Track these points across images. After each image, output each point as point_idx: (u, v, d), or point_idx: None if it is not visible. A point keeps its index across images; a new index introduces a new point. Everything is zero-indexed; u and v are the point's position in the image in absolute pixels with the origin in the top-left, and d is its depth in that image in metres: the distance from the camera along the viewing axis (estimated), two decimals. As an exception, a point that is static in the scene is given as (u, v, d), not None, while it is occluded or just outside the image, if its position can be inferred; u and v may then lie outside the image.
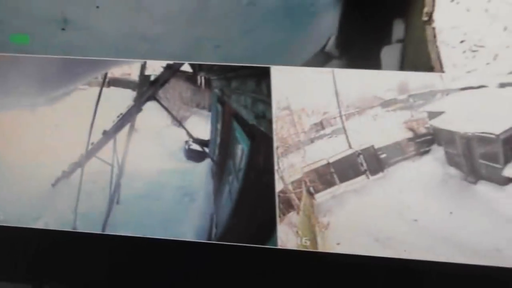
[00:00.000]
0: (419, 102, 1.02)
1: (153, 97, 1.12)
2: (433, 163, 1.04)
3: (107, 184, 1.17)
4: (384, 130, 1.05)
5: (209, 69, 1.07)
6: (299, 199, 1.10)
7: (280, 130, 1.08)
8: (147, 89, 1.12)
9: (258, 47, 1.03)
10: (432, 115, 1.02)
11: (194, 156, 1.13)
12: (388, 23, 0.99)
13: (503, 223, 1.01)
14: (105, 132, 1.15)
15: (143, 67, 1.10)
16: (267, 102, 1.07)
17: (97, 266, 1.18)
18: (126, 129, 1.14)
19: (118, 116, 1.14)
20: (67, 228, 1.19)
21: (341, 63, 1.02)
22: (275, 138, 1.08)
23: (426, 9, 0.97)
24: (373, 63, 1.00)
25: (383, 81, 1.02)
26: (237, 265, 1.13)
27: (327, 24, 1.01)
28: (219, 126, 1.11)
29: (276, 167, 1.09)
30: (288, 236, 1.12)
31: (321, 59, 1.02)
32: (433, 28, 0.98)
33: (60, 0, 1.07)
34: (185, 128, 1.12)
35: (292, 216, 1.11)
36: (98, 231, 1.18)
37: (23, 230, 1.20)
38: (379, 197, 1.07)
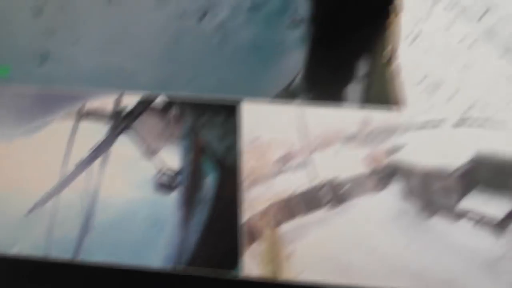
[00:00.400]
0: (380, 137, 1.02)
1: (127, 129, 1.12)
2: (392, 196, 1.04)
3: (80, 213, 1.16)
4: (346, 164, 1.05)
5: (181, 102, 1.08)
6: (264, 229, 1.10)
7: (248, 162, 1.08)
8: (121, 121, 1.11)
9: (228, 82, 1.04)
10: (392, 150, 1.02)
11: (164, 187, 1.12)
12: (353, 61, 1.00)
13: (457, 255, 1.02)
14: (79, 163, 1.15)
15: (118, 100, 1.10)
16: (236, 136, 1.06)
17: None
18: (100, 159, 1.14)
19: (92, 147, 1.13)
20: (40, 255, 1.19)
21: (307, 99, 1.02)
22: (242, 170, 1.08)
23: (388, 49, 0.97)
24: (338, 99, 1.01)
25: (347, 117, 1.02)
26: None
27: (294, 61, 1.01)
28: (188, 158, 1.11)
29: (242, 198, 1.08)
30: (253, 265, 1.11)
31: (288, 95, 1.02)
32: (396, 67, 0.98)
33: (38, 32, 1.08)
34: (156, 160, 1.12)
35: (257, 245, 1.10)
36: (69, 257, 1.18)
37: None
38: (341, 227, 1.07)
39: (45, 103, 1.12)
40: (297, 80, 1.05)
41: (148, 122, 1.13)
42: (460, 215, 1.03)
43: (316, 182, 1.08)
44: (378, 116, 1.02)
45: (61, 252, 1.19)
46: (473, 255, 1.02)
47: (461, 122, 1.00)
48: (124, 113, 1.12)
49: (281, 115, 1.06)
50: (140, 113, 1.12)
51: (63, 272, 1.18)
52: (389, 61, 1.01)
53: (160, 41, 1.08)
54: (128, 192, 1.15)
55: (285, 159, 1.08)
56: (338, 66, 1.03)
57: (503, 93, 0.98)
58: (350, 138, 1.05)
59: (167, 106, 1.11)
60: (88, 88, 1.10)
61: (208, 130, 1.10)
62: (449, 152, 1.01)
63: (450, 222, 1.03)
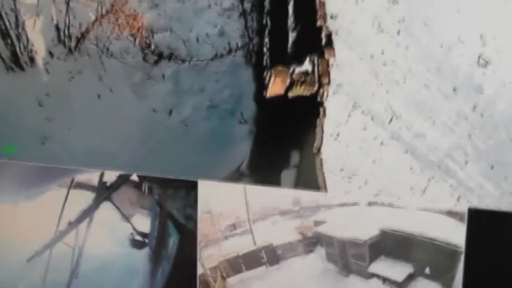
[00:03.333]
0: (308, 213, 0.97)
1: (108, 199, 1.07)
2: (317, 259, 0.98)
3: (69, 262, 1.12)
4: (281, 232, 0.99)
5: (151, 179, 1.03)
6: (215, 281, 1.04)
7: (203, 228, 1.03)
8: (104, 192, 1.07)
9: (189, 164, 1.00)
10: (317, 223, 0.97)
11: (137, 244, 1.08)
12: (287, 152, 0.96)
13: None
14: (70, 223, 1.10)
15: (102, 175, 1.06)
16: (194, 207, 1.02)
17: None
18: (86, 221, 1.10)
19: (80, 211, 1.09)
20: None
21: (251, 180, 0.98)
22: (198, 234, 1.03)
23: (316, 144, 0.93)
24: (275, 182, 0.97)
25: (282, 196, 0.97)
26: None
27: (242, 150, 0.97)
28: (156, 223, 1.06)
29: (198, 256, 1.04)
30: None
31: (236, 176, 0.98)
32: (321, 158, 0.94)
33: (40, 120, 1.05)
34: (131, 223, 1.08)
35: None
36: None
37: None
38: (276, 282, 1.01)
39: (44, 175, 1.08)
40: (243, 165, 1.00)
41: (124, 194, 1.08)
42: (371, 276, 0.96)
43: (257, 246, 1.02)
44: (306, 197, 0.97)
45: None
46: (381, 306, 0.89)
47: (371, 204, 0.94)
48: (105, 186, 1.08)
49: (230, 193, 1.00)
50: (118, 187, 1.07)
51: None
52: (316, 153, 0.96)
53: (136, 131, 1.03)
54: (109, 247, 1.09)
55: (232, 227, 1.02)
56: (275, 156, 0.98)
57: (405, 181, 0.93)
58: (285, 213, 0.99)
59: (140, 182, 1.06)
60: (77, 165, 1.06)
61: (172, 202, 1.05)
62: (361, 227, 0.95)
63: (363, 280, 0.97)
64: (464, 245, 0.89)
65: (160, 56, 0.95)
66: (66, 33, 0.96)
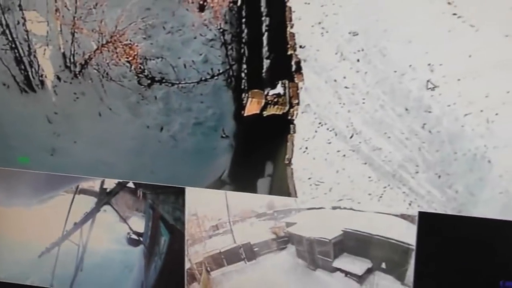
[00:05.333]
0: (281, 215, 0.94)
1: (108, 203, 1.04)
2: (288, 255, 0.96)
3: (75, 258, 1.08)
4: (257, 232, 0.96)
5: (145, 186, 1.00)
6: (200, 274, 1.01)
7: (190, 229, 1.00)
8: (104, 197, 1.03)
9: (178, 174, 0.97)
10: (289, 224, 0.95)
11: (133, 242, 1.04)
12: (262, 163, 0.93)
13: None
14: (75, 224, 1.06)
15: (102, 182, 1.02)
16: (182, 210, 0.99)
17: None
18: (89, 222, 1.06)
19: (84, 214, 1.05)
20: (46, 286, 1.10)
21: (231, 187, 0.95)
22: (186, 233, 1.00)
23: (287, 156, 0.92)
24: (252, 189, 0.94)
25: (258, 201, 0.94)
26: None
27: (223, 162, 0.95)
28: (150, 224, 1.02)
29: (186, 253, 1.00)
30: None
31: (219, 184, 0.96)
32: (291, 169, 0.92)
33: (49, 135, 1.02)
34: (127, 224, 1.04)
35: (195, 285, 1.02)
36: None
37: (17, 286, 1.11)
38: (253, 275, 0.98)
39: (53, 182, 1.04)
40: (225, 174, 0.97)
41: (122, 199, 1.04)
42: (335, 270, 0.94)
43: (236, 244, 0.99)
44: (279, 201, 0.94)
45: (61, 285, 1.09)
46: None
47: (335, 208, 0.92)
48: (106, 192, 1.04)
49: (213, 198, 0.97)
50: (117, 192, 1.03)
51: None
52: (288, 164, 0.93)
53: (132, 144, 0.99)
54: (108, 244, 1.06)
55: (215, 228, 0.99)
56: (252, 166, 0.96)
57: (365, 189, 0.91)
58: (260, 215, 0.96)
59: (136, 188, 1.02)
60: (82, 174, 1.03)
61: (163, 206, 1.02)
62: (327, 227, 0.93)
63: (328, 274, 0.94)
64: (415, 244, 0.88)
65: (153, 80, 0.93)
66: (72, 60, 0.95)
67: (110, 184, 1.02)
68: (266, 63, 0.91)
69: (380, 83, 0.86)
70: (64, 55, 0.97)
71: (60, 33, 0.97)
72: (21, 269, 1.07)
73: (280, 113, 0.92)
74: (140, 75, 0.95)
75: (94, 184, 1.02)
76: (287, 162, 0.92)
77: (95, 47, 0.96)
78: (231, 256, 0.98)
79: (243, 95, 0.92)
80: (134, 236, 1.03)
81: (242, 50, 0.92)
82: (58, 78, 0.98)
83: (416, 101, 0.85)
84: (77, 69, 0.97)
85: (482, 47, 0.80)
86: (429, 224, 0.87)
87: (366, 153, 0.89)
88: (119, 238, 1.04)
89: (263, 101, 0.92)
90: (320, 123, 0.90)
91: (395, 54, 0.85)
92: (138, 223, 1.03)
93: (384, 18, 0.84)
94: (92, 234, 1.04)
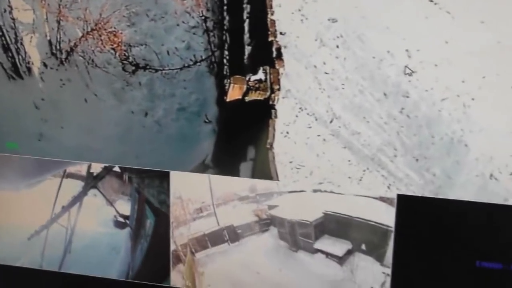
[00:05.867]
0: (263, 198, 0.93)
1: (95, 187, 1.02)
2: (270, 237, 0.95)
3: (63, 240, 1.06)
4: (240, 215, 0.95)
5: (131, 170, 0.99)
6: (185, 256, 1.00)
7: (174, 211, 0.98)
8: (91, 181, 1.02)
9: (162, 158, 0.96)
10: (271, 207, 0.94)
11: (119, 225, 1.03)
12: (245, 148, 0.92)
13: (315, 279, 0.94)
14: (63, 207, 1.05)
15: (89, 167, 1.01)
16: (167, 194, 0.98)
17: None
18: (76, 205, 1.04)
19: (72, 197, 1.04)
20: (36, 267, 1.09)
21: (214, 171, 0.94)
22: (171, 216, 0.99)
23: (269, 140, 0.91)
24: (235, 172, 0.93)
25: (240, 184, 0.93)
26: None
27: (206, 146, 0.94)
28: (136, 207, 1.01)
29: (171, 235, 0.99)
30: (177, 279, 1.02)
31: (202, 168, 0.94)
32: (273, 153, 0.91)
33: (37, 121, 1.00)
34: (114, 207, 1.02)
35: (180, 266, 1.01)
36: (56, 269, 1.08)
37: (8, 267, 1.10)
38: (236, 256, 0.97)
39: (41, 167, 1.02)
40: (208, 159, 0.96)
41: (108, 183, 1.02)
42: (316, 251, 0.93)
43: (220, 226, 0.98)
44: (261, 185, 0.93)
45: (50, 266, 1.07)
46: (324, 277, 0.93)
47: (316, 191, 0.91)
48: (92, 176, 1.02)
49: (197, 182, 0.96)
50: (103, 177, 1.01)
51: (51, 279, 1.08)
52: (269, 148, 0.92)
53: (118, 129, 0.97)
54: (96, 227, 1.04)
55: (199, 211, 0.98)
56: (235, 151, 0.94)
57: (344, 172, 0.91)
58: (243, 198, 0.95)
59: (121, 172, 1.00)
60: (69, 158, 1.01)
61: (148, 190, 1.00)
62: (308, 210, 0.92)
63: (310, 255, 0.93)
64: (394, 226, 0.88)
65: (137, 66, 0.91)
66: (58, 47, 0.93)
67: (96, 168, 1.00)
68: (247, 49, 0.89)
69: (359, 69, 0.85)
70: (50, 42, 0.95)
71: (46, 21, 0.94)
72: (11, 251, 1.05)
73: (262, 98, 0.90)
74: (125, 61, 0.93)
75: (81, 169, 1.00)
76: (268, 146, 0.91)
77: (80, 34, 0.94)
78: (215, 238, 0.97)
79: (225, 81, 0.90)
80: (120, 219, 1.01)
81: (224, 37, 0.90)
82: (45, 65, 0.96)
83: (394, 86, 0.84)
84: (63, 56, 0.95)
85: (459, 33, 0.79)
86: (408, 206, 0.87)
87: (345, 137, 0.88)
88: (106, 220, 1.02)
89: (245, 86, 0.90)
90: (300, 108, 0.88)
91: (373, 40, 0.83)
92: (124, 206, 1.01)
93: (363, 5, 0.82)
94: (80, 217, 1.03)
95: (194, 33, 0.92)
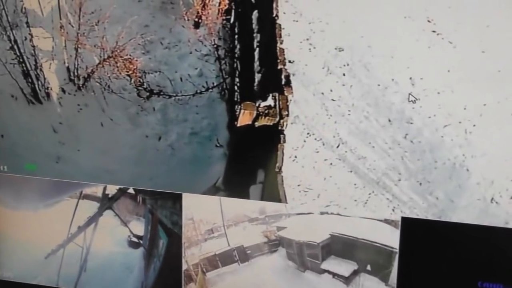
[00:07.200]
0: (272, 220, 0.95)
1: (110, 208, 1.04)
2: (279, 258, 0.96)
3: (79, 259, 1.08)
4: (250, 236, 0.97)
5: (145, 192, 1.00)
6: (196, 275, 1.01)
7: (186, 232, 1.00)
8: (106, 202, 1.04)
9: (175, 180, 0.98)
10: (279, 228, 0.95)
11: (133, 245, 1.05)
12: (254, 171, 0.94)
13: None
14: (79, 227, 1.07)
15: (105, 188, 1.03)
16: (179, 215, 0.99)
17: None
18: (92, 226, 1.06)
19: (87, 218, 1.06)
20: (53, 285, 1.10)
21: (225, 193, 0.96)
22: (183, 237, 1.00)
23: (277, 164, 0.92)
24: (245, 195, 0.95)
25: (250, 206, 0.95)
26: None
27: (218, 169, 0.96)
28: (149, 227, 1.03)
29: (183, 255, 1.01)
30: None
31: (213, 190, 0.96)
32: (282, 176, 0.92)
33: (55, 144, 1.03)
34: (128, 227, 1.04)
35: (192, 285, 1.02)
36: (71, 287, 1.10)
37: (25, 285, 1.11)
38: (246, 276, 0.99)
39: (58, 188, 1.04)
40: (219, 181, 0.98)
41: (123, 204, 1.04)
42: (323, 271, 0.94)
43: (230, 246, 1.00)
44: (270, 207, 0.95)
45: (66, 284, 1.09)
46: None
47: (323, 213, 0.93)
48: (108, 197, 1.04)
49: (208, 203, 0.97)
50: (118, 198, 1.03)
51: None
52: (278, 172, 0.93)
53: (132, 153, 1.00)
54: (110, 247, 1.06)
55: (210, 231, 0.99)
56: (245, 174, 0.96)
57: (350, 195, 0.92)
58: (253, 220, 0.96)
59: (136, 194, 1.02)
60: (85, 180, 1.03)
61: (161, 211, 1.02)
62: (315, 232, 0.93)
63: (317, 275, 0.95)
64: (398, 247, 0.89)
65: (151, 92, 0.94)
66: (76, 73, 0.96)
67: (111, 190, 1.02)
68: (257, 76, 0.92)
69: (364, 96, 0.87)
70: (68, 69, 0.98)
71: (64, 48, 0.97)
72: (29, 269, 1.07)
73: (271, 123, 0.92)
74: (140, 87, 0.96)
75: (97, 190, 1.03)
76: (277, 170, 0.93)
77: (97, 61, 0.97)
78: (225, 258, 0.99)
79: (236, 106, 0.93)
80: (134, 239, 1.03)
81: (235, 65, 0.93)
82: (63, 90, 0.99)
83: (398, 113, 0.86)
84: (81, 82, 0.98)
85: (460, 62, 0.81)
86: (412, 228, 0.88)
87: (351, 162, 0.90)
88: (121, 241, 1.04)
89: (255, 112, 0.93)
90: (308, 133, 0.91)
91: (378, 68, 0.85)
92: (138, 227, 1.03)
93: (368, 34, 0.84)
94: (95, 237, 1.04)
95: (206, 61, 0.94)
